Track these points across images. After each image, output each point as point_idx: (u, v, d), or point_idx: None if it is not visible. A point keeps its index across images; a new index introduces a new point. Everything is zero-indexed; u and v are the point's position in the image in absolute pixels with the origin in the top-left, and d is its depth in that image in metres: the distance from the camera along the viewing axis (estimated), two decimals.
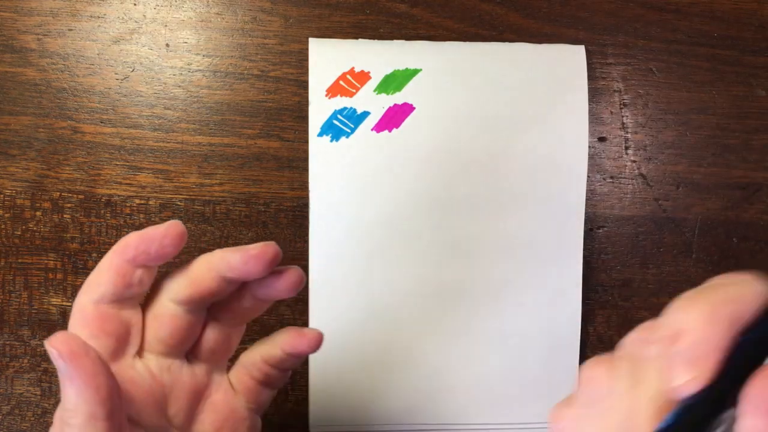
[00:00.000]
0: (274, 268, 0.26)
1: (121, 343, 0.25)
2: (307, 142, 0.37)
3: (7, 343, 0.37)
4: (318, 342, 0.28)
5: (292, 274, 0.26)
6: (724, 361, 0.19)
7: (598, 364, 0.22)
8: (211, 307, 0.27)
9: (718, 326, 0.19)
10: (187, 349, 0.27)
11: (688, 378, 0.19)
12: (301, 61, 0.38)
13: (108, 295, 0.25)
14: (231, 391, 0.28)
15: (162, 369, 0.26)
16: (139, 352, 0.26)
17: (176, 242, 0.25)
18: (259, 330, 0.38)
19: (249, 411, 0.29)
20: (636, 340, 0.22)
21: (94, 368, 0.23)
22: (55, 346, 0.23)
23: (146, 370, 0.26)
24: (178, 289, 0.26)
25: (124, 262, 0.25)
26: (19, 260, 0.37)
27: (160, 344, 0.26)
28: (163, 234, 0.25)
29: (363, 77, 0.37)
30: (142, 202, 0.38)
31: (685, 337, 0.20)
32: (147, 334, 0.26)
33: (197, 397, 0.27)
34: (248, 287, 0.27)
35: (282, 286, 0.26)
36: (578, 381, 0.23)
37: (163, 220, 0.37)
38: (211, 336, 0.28)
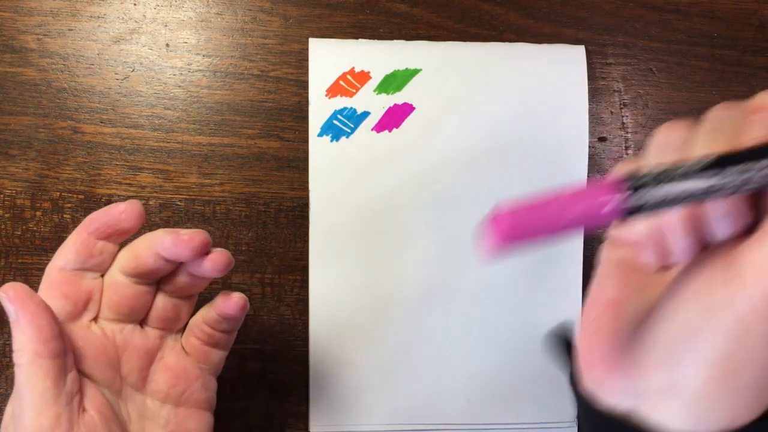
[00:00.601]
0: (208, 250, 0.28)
1: (78, 307, 0.28)
2: (307, 142, 0.37)
3: (8, 343, 0.37)
4: (240, 306, 0.30)
5: (219, 256, 0.29)
6: None
7: (676, 123, 0.22)
8: (160, 280, 0.30)
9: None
10: (138, 317, 0.30)
11: (761, 136, 0.19)
12: (301, 61, 0.38)
13: (70, 263, 0.28)
14: (183, 353, 0.31)
15: (114, 332, 0.29)
16: (95, 318, 0.29)
17: (132, 220, 0.29)
18: (259, 330, 0.38)
19: (201, 370, 0.32)
20: (719, 109, 0.22)
21: (37, 310, 0.26)
22: (4, 291, 0.26)
23: (100, 331, 0.29)
24: (125, 262, 0.29)
25: (87, 235, 0.29)
26: (19, 260, 0.37)
27: (111, 311, 0.29)
28: (121, 211, 0.28)
29: (363, 77, 0.37)
30: (142, 202, 0.38)
31: (765, 109, 0.20)
32: (102, 301, 0.29)
33: (150, 358, 0.30)
34: (185, 265, 0.30)
35: (208, 266, 0.29)
36: (652, 141, 0.22)
37: (163, 221, 0.37)
38: (160, 305, 0.31)
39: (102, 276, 0.30)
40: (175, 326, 0.31)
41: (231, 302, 0.30)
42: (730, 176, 0.18)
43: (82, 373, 0.28)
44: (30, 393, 0.26)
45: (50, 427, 0.26)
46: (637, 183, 0.18)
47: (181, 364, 0.31)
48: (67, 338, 0.27)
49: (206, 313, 0.31)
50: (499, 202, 0.19)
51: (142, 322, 0.31)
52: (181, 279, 0.30)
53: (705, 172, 0.18)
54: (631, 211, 0.18)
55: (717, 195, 0.18)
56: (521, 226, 0.19)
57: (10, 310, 0.26)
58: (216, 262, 0.28)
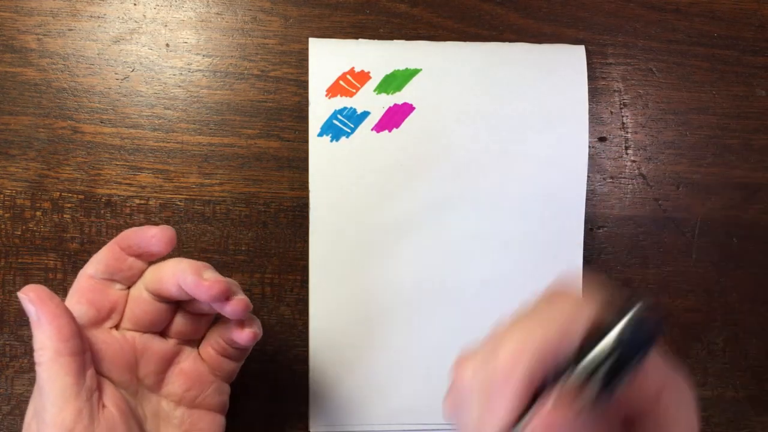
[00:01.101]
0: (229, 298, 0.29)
1: (101, 314, 0.30)
2: (307, 142, 0.37)
3: (7, 343, 0.37)
4: (251, 338, 0.31)
5: (238, 304, 0.29)
6: (529, 391, 0.20)
7: (469, 358, 0.24)
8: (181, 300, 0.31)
9: (522, 363, 0.20)
10: (157, 330, 0.31)
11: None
12: (301, 61, 0.38)
13: (100, 272, 0.30)
14: (199, 360, 0.32)
15: (134, 337, 0.30)
16: (117, 326, 0.30)
17: (162, 245, 0.30)
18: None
19: (215, 377, 0.32)
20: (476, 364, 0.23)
21: (57, 311, 0.27)
22: (25, 293, 0.27)
23: (120, 335, 0.30)
24: (149, 281, 0.30)
25: (119, 249, 0.30)
26: (19, 260, 0.37)
27: (132, 322, 0.30)
28: (152, 235, 0.30)
29: (363, 77, 0.37)
30: (142, 202, 0.38)
31: (496, 371, 0.21)
32: (124, 312, 0.30)
33: (167, 363, 0.31)
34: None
35: (227, 311, 0.29)
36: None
37: (162, 221, 0.37)
38: (180, 321, 0.32)
39: (128, 288, 0.31)
40: (193, 338, 0.32)
41: (243, 335, 0.31)
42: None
43: (100, 374, 0.29)
44: (52, 389, 0.26)
45: (72, 421, 0.26)
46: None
47: (197, 370, 0.32)
48: (86, 338, 0.28)
49: (223, 329, 0.32)
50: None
51: (162, 333, 0.32)
52: (201, 305, 0.31)
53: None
54: None
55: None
56: None
57: (31, 311, 0.27)
58: (235, 310, 0.29)
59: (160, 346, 0.31)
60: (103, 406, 0.28)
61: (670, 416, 0.22)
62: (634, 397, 0.22)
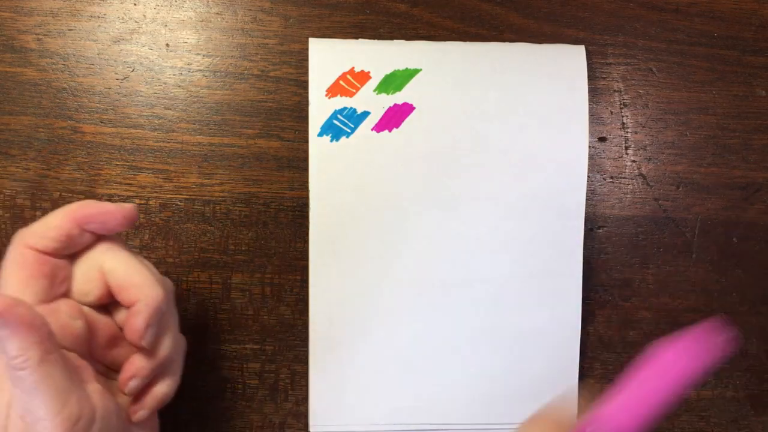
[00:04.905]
0: None
1: (53, 284, 0.29)
2: (307, 142, 0.37)
3: None
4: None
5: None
6: None
7: None
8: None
9: None
10: (102, 302, 0.31)
11: None
12: (301, 61, 0.38)
13: (50, 250, 0.29)
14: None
15: (83, 312, 0.30)
16: (66, 294, 0.30)
17: (129, 223, 0.30)
18: (259, 330, 0.38)
19: None
20: None
21: (30, 313, 0.25)
22: None
23: (71, 308, 0.29)
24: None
25: (75, 226, 0.29)
26: None
27: (81, 296, 0.30)
28: (122, 213, 0.30)
29: (363, 77, 0.37)
30: (142, 202, 0.38)
31: None
32: (73, 285, 0.30)
33: (114, 341, 0.31)
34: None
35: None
36: None
37: (163, 221, 0.37)
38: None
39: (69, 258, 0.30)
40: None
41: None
42: None
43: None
44: (47, 389, 0.25)
45: (78, 411, 0.26)
46: None
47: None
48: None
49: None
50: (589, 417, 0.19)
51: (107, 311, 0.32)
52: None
53: None
54: None
55: None
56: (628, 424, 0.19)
57: None
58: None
59: (105, 324, 0.31)
60: (85, 382, 0.28)
61: None
62: None
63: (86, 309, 0.30)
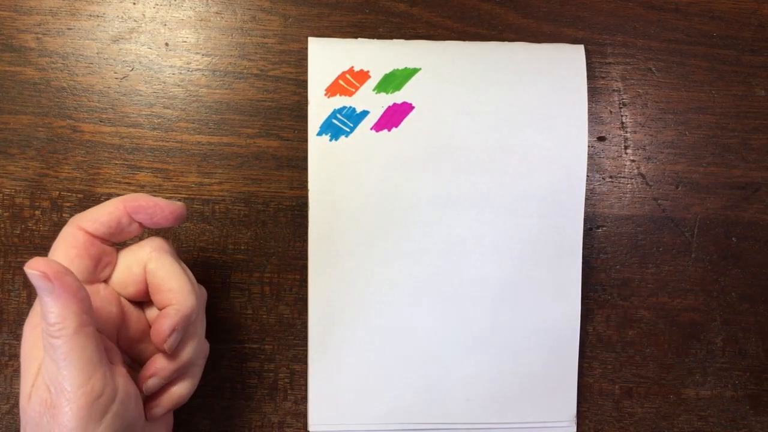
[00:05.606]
0: None
1: (97, 267, 0.30)
2: (306, 141, 0.37)
3: (6, 342, 0.37)
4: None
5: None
6: None
7: None
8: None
9: None
10: (141, 298, 0.32)
11: None
12: (301, 61, 0.38)
13: (100, 234, 0.30)
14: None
15: (120, 301, 0.31)
16: (106, 280, 0.31)
17: (175, 219, 0.31)
18: (258, 329, 0.38)
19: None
20: None
21: (76, 284, 0.27)
22: (37, 268, 0.26)
23: (109, 294, 0.31)
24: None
25: (125, 214, 0.30)
26: (19, 259, 0.37)
27: (120, 287, 0.31)
28: (170, 209, 0.31)
29: (362, 76, 0.37)
30: None
31: None
32: (115, 273, 0.31)
33: (143, 336, 0.32)
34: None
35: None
36: None
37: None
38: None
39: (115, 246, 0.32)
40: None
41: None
42: None
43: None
44: (77, 361, 0.26)
45: (101, 387, 0.27)
46: None
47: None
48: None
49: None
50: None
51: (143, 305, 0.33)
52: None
53: None
54: None
55: None
56: None
57: (45, 285, 0.26)
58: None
59: (137, 317, 0.32)
60: (113, 363, 0.29)
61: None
62: None
63: (122, 299, 0.31)
